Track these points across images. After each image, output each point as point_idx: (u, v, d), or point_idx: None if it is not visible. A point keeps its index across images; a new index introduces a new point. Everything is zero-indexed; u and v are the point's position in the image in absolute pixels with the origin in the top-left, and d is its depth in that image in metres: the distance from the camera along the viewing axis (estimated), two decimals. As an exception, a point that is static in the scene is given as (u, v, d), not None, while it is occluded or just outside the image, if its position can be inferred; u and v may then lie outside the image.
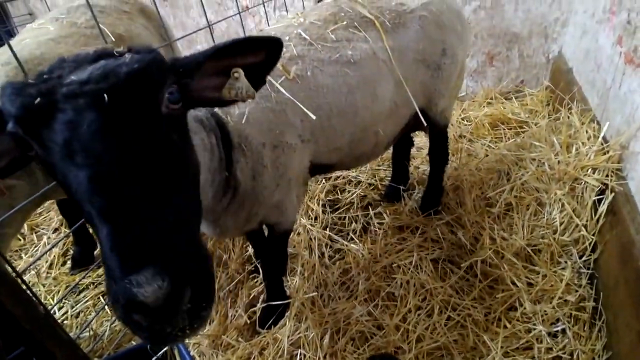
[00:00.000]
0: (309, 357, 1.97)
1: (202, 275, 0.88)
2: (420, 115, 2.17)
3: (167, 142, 0.96)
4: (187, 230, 0.91)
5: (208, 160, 1.44)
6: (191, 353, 2.06)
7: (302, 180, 1.89)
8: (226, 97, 1.13)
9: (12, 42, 2.22)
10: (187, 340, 2.14)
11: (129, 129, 0.89)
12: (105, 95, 0.87)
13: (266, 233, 2.09)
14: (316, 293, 2.25)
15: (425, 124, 2.30)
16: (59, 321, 2.42)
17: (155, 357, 1.70)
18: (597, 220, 2.17)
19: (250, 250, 2.61)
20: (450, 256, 2.46)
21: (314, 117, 1.65)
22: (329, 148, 1.90)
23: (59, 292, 2.68)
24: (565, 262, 2.20)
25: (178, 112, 1.02)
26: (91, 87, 0.88)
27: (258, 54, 1.12)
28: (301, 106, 1.65)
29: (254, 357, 2.01)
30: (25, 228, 3.13)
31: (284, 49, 1.74)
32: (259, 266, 2.44)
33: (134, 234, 0.82)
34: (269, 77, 1.63)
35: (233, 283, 2.45)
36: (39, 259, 2.85)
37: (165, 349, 1.74)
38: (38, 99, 0.86)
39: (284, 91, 1.64)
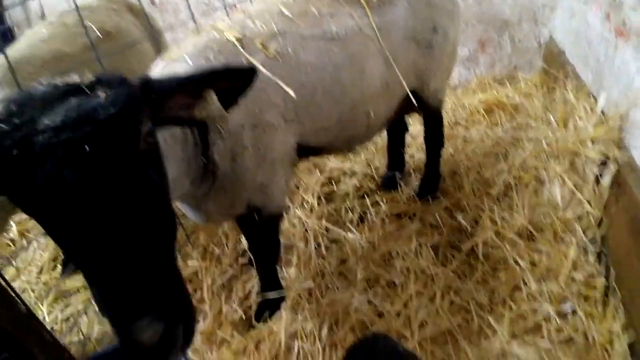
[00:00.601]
0: (308, 349, 1.88)
1: (188, 309, 0.98)
2: (411, 96, 2.11)
3: (147, 180, 0.95)
4: (170, 266, 0.99)
5: (180, 151, 1.40)
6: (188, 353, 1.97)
7: (289, 162, 1.82)
8: (197, 117, 1.12)
9: (11, 46, 2.33)
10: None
11: (111, 176, 0.87)
12: (86, 146, 0.84)
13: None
14: (313, 284, 2.16)
15: (417, 105, 2.24)
16: (50, 327, 2.33)
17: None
18: (601, 195, 2.09)
19: (244, 243, 2.53)
20: (450, 241, 2.38)
21: (294, 96, 1.58)
22: (316, 128, 1.83)
23: (48, 297, 2.59)
24: (570, 239, 2.12)
25: (154, 143, 1.00)
26: (68, 136, 0.84)
27: (233, 82, 1.13)
28: (281, 84, 1.59)
29: (250, 351, 1.91)
30: (15, 233, 3.05)
31: (264, 26, 1.69)
32: (253, 259, 2.35)
33: (125, 287, 0.88)
34: (247, 55, 1.59)
35: (227, 278, 2.36)
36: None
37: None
38: (15, 151, 0.82)
39: (263, 70, 1.58)
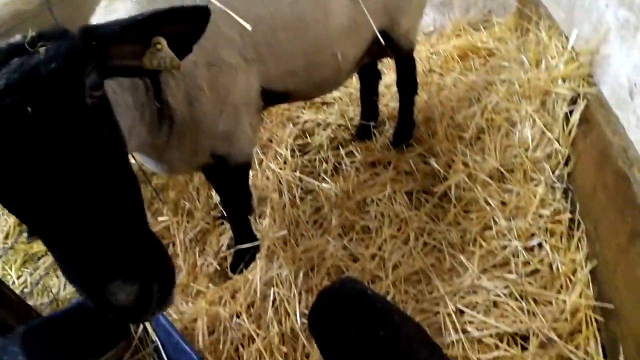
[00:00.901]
0: (284, 294, 1.89)
1: (163, 266, 0.94)
2: (379, 36, 2.01)
3: (99, 136, 0.90)
4: (137, 224, 0.94)
5: (130, 97, 1.30)
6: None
7: (254, 108, 1.74)
8: (147, 66, 1.04)
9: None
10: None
11: (60, 136, 0.83)
12: (29, 108, 0.80)
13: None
14: (287, 232, 2.15)
15: (388, 48, 2.15)
16: (20, 290, 2.27)
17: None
18: (570, 132, 2.12)
19: (216, 197, 2.47)
20: (424, 187, 2.40)
21: (249, 28, 1.47)
22: (281, 70, 1.74)
23: (16, 261, 2.51)
24: (539, 178, 2.16)
25: (102, 96, 0.94)
26: (12, 99, 0.79)
27: (183, 24, 1.03)
28: (235, 16, 1.47)
29: (226, 301, 1.91)
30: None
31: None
32: (225, 212, 2.31)
33: (91, 250, 0.84)
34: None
35: (200, 232, 2.32)
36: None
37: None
38: None
39: (214, 0, 1.45)
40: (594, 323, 1.64)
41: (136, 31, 0.99)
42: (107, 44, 0.97)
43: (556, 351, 1.60)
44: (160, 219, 2.42)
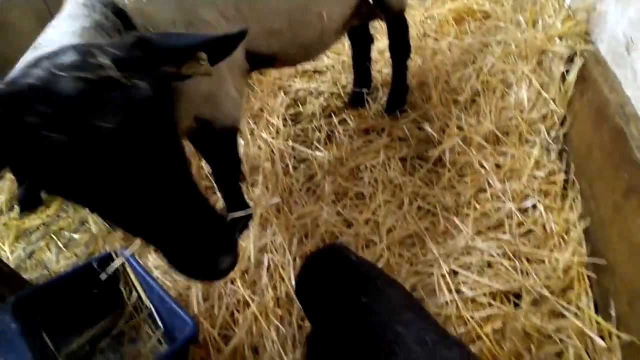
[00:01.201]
0: (278, 260, 1.89)
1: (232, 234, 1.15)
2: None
3: (175, 135, 1.03)
4: (208, 206, 1.08)
5: None
6: (154, 273, 1.95)
7: (238, 70, 1.68)
8: (183, 73, 1.11)
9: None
10: (141, 259, 2.01)
11: (155, 144, 0.95)
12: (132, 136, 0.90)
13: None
14: (280, 200, 2.12)
15: (377, 7, 2.07)
16: (14, 265, 2.26)
17: (104, 274, 1.57)
18: (566, 92, 2.07)
19: (207, 168, 2.43)
20: (418, 152, 2.37)
21: None
22: (264, 30, 1.67)
23: (9, 237, 2.49)
24: (534, 139, 2.13)
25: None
26: (118, 136, 0.88)
27: (227, 47, 1.14)
28: None
29: (220, 268, 1.91)
30: (-37, 178, 2.85)
31: None
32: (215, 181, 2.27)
33: (194, 235, 1.02)
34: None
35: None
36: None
37: (115, 266, 1.61)
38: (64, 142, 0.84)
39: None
40: (586, 279, 1.65)
41: (188, 52, 1.06)
42: (167, 59, 1.03)
43: (548, 307, 1.61)
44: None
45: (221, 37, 1.09)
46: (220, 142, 1.81)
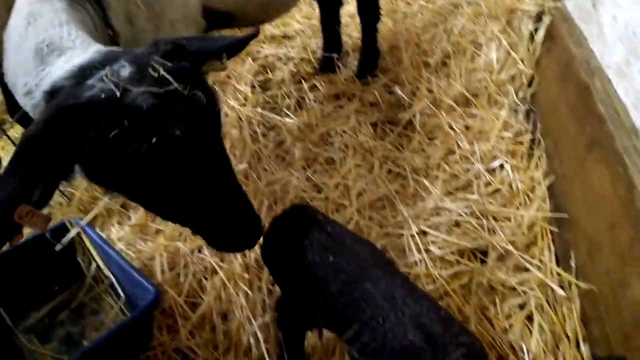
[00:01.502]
0: (246, 227, 1.84)
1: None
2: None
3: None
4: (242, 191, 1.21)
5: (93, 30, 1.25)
6: (118, 245, 1.87)
7: (194, 27, 1.59)
8: (204, 71, 1.14)
9: None
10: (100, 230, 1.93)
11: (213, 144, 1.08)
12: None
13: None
14: (248, 166, 2.06)
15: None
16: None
17: (59, 245, 1.49)
18: (534, 52, 2.07)
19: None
20: (389, 117, 2.33)
21: None
22: None
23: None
24: (503, 101, 2.13)
25: None
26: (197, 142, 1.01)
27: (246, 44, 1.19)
28: None
29: (186, 237, 1.85)
30: None
31: None
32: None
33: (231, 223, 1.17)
34: None
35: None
36: None
37: (70, 236, 1.52)
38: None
39: None
40: (549, 234, 1.69)
41: (222, 51, 1.12)
42: (202, 63, 1.09)
43: (513, 262, 1.64)
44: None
45: (244, 39, 1.18)
46: None
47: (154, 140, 0.91)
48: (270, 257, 1.38)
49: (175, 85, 0.96)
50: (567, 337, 1.41)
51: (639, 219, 1.18)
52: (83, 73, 0.97)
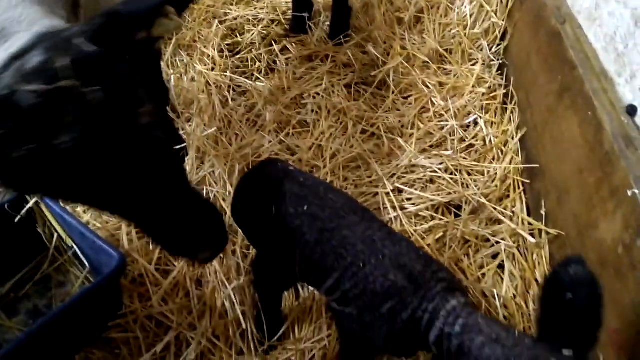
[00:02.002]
0: (218, 192, 1.79)
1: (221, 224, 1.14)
2: None
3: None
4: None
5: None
6: (84, 217, 1.80)
7: None
8: (156, 36, 1.01)
9: None
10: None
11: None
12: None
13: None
14: (218, 130, 1.99)
15: None
16: None
17: (18, 217, 1.41)
18: (507, 3, 2.02)
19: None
20: (362, 78, 2.27)
21: None
22: None
23: None
24: (477, 56, 2.10)
25: None
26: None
27: None
28: None
29: (155, 204, 1.78)
30: None
31: None
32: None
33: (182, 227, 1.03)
34: None
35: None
36: None
37: (28, 207, 1.45)
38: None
39: None
40: (521, 186, 1.70)
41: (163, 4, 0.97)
42: (139, 26, 0.95)
43: (486, 215, 1.65)
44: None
45: None
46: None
47: (33, 146, 0.79)
48: (242, 214, 1.34)
49: (64, 82, 0.81)
50: (537, 281, 1.44)
51: (605, 161, 1.18)
52: (7, 64, 0.85)
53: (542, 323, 0.87)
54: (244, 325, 1.45)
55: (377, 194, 1.78)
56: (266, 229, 1.24)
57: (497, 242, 1.57)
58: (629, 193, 1.06)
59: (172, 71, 2.41)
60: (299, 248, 1.17)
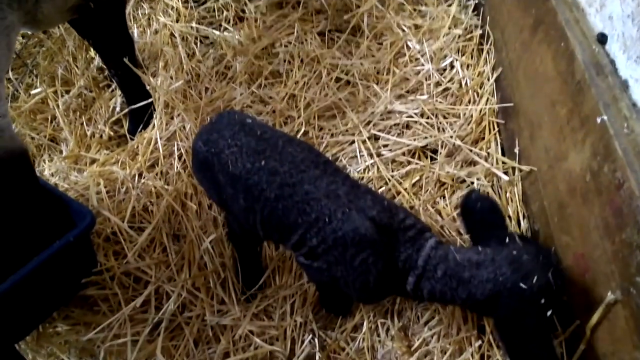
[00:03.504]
0: (189, 147, 1.73)
1: None
2: None
3: None
4: None
5: None
6: (52, 180, 1.73)
7: None
8: None
9: None
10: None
11: None
12: None
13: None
14: (183, 81, 1.89)
15: None
16: None
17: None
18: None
19: (98, 60, 2.09)
20: (336, 25, 2.18)
21: None
22: None
23: None
24: (452, -3, 2.01)
25: None
26: None
27: None
28: None
29: (124, 163, 1.73)
30: None
31: None
32: (108, 70, 1.97)
33: None
34: None
35: (83, 100, 2.00)
36: None
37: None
38: None
39: None
40: (496, 127, 1.70)
41: None
42: None
43: (462, 157, 1.65)
44: (33, 92, 2.04)
45: None
46: (105, 18, 1.52)
47: None
48: (200, 170, 1.29)
49: None
50: (510, 218, 1.47)
51: (577, 91, 1.17)
52: None
53: (473, 235, 1.16)
54: (223, 276, 1.45)
55: (353, 142, 1.75)
56: (224, 184, 1.20)
57: (472, 183, 1.58)
58: (598, 120, 1.06)
59: (134, 24, 2.27)
60: (259, 204, 1.14)
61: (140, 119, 1.84)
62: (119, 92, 1.96)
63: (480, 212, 1.13)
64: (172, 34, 2.15)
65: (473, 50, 1.92)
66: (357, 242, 1.06)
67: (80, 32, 1.73)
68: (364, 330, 1.36)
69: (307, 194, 1.11)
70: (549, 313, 0.98)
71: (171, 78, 1.96)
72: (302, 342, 1.36)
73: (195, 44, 2.15)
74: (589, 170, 1.09)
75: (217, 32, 2.18)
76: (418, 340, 1.32)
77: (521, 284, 0.97)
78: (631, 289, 0.92)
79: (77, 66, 2.10)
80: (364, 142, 1.73)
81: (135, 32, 2.21)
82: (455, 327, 1.31)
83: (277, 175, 1.12)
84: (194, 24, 2.21)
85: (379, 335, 1.36)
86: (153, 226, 1.53)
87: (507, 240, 1.05)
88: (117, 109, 1.95)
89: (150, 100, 1.83)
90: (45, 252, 1.15)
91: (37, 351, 1.42)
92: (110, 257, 1.49)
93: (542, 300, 0.97)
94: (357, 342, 1.35)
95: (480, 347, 1.26)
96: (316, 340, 1.36)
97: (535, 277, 0.96)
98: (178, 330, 1.41)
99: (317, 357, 1.33)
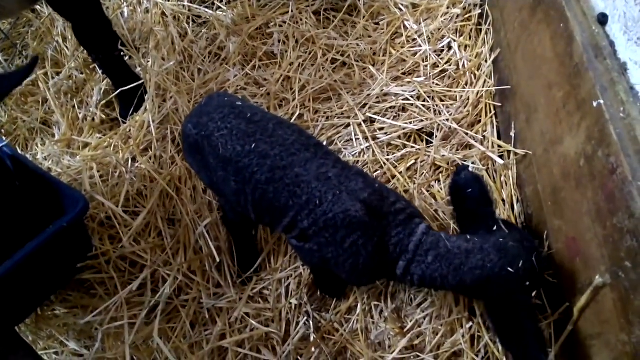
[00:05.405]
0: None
1: None
2: None
3: None
4: None
5: None
6: (45, 164, 1.72)
7: None
8: None
9: None
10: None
11: None
12: None
13: None
14: (174, 62, 1.86)
15: None
16: None
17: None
18: None
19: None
20: (332, 3, 2.12)
21: None
22: None
23: None
24: (451, -27, 1.95)
25: None
26: None
27: None
28: None
29: (117, 147, 1.71)
30: None
31: None
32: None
33: None
34: None
35: (74, 83, 1.97)
36: None
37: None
38: None
39: None
40: (492, 110, 1.68)
41: None
42: None
43: (457, 140, 1.64)
44: (22, 74, 1.99)
45: None
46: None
47: None
48: (191, 154, 1.28)
49: None
50: (504, 202, 1.47)
51: (574, 73, 1.15)
52: None
53: (461, 220, 1.19)
54: (218, 259, 1.46)
55: (349, 125, 1.74)
56: (215, 167, 1.19)
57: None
58: (594, 104, 1.05)
59: (124, 3, 2.20)
60: (249, 187, 1.13)
61: (130, 102, 1.81)
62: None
63: (469, 200, 1.15)
64: (163, 13, 2.09)
65: (471, 30, 1.88)
66: (348, 224, 1.06)
67: (60, 11, 1.67)
68: (358, 312, 1.38)
69: (297, 177, 1.10)
70: (534, 293, 1.04)
71: (163, 59, 1.92)
72: (297, 323, 1.38)
73: (188, 23, 2.09)
74: (583, 155, 1.09)
75: (209, 11, 2.12)
76: (411, 321, 1.35)
77: (509, 269, 0.99)
78: (620, 273, 0.93)
79: (67, 47, 2.05)
80: (359, 125, 1.71)
81: (125, 11, 2.15)
82: (447, 310, 1.33)
83: (268, 158, 1.12)
84: (186, 3, 2.14)
85: (372, 317, 1.38)
86: (148, 210, 1.53)
87: (494, 228, 1.08)
88: (111, 93, 1.91)
89: (140, 82, 1.79)
90: (39, 237, 1.15)
91: (37, 334, 1.45)
92: (105, 242, 1.49)
93: (527, 283, 1.02)
94: (351, 324, 1.38)
95: (470, 328, 1.29)
96: (311, 321, 1.38)
97: (521, 262, 1.01)
98: (175, 313, 1.43)
99: (311, 339, 1.36)
